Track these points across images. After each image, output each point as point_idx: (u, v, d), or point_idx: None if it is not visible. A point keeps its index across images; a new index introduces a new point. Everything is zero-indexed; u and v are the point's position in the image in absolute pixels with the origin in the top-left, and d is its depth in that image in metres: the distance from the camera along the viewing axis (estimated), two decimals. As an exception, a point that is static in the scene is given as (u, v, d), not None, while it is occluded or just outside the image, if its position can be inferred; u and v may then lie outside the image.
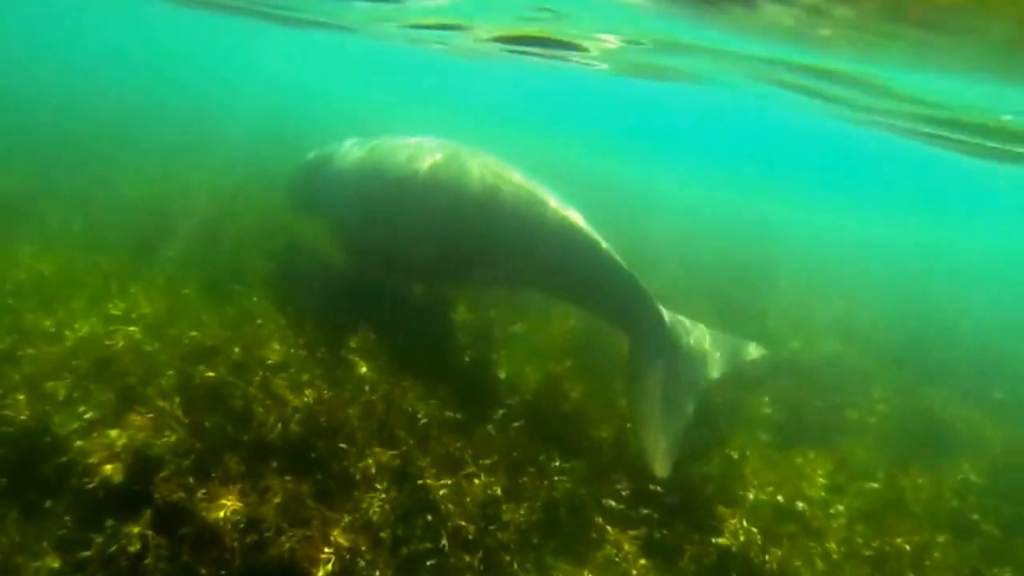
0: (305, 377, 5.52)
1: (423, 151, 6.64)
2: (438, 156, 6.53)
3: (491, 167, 6.36)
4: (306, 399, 5.34)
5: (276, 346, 5.87)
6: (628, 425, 6.05)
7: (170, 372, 5.34)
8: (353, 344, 6.24)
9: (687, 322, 6.06)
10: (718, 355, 5.92)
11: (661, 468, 5.22)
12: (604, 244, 5.86)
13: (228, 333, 6.20)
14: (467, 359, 7.11)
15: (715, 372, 5.91)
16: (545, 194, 6.19)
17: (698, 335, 5.99)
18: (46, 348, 5.63)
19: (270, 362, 5.61)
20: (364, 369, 5.90)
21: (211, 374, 5.27)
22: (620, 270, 5.78)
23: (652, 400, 5.44)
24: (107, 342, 5.96)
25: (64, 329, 5.99)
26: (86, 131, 15.83)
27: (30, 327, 5.96)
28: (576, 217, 6.04)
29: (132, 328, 6.06)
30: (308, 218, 8.81)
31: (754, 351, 6.31)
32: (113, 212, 9.42)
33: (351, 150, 7.46)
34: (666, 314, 5.88)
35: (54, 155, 12.75)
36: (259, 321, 6.27)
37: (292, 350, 5.95)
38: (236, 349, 5.70)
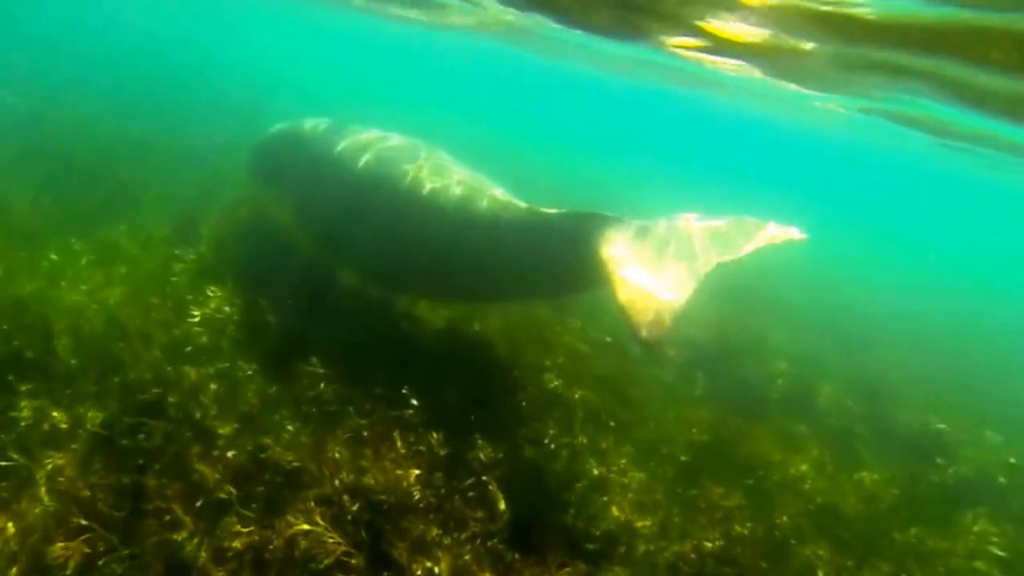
0: (434, 532, 3.80)
1: (377, 142, 6.65)
2: (388, 148, 6.49)
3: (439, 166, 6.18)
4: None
5: (399, 470, 4.13)
6: None
7: (248, 527, 3.60)
8: (483, 457, 4.55)
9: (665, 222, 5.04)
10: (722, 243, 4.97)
11: (650, 330, 4.20)
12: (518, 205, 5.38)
13: (306, 438, 4.51)
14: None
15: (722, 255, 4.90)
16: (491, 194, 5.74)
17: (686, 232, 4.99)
18: (44, 456, 3.90)
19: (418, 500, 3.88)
20: (503, 506, 4.21)
21: (301, 527, 3.54)
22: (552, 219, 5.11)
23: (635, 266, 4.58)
24: (123, 441, 4.27)
25: (78, 426, 4.24)
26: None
27: (29, 420, 4.22)
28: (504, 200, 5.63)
29: (166, 425, 4.35)
30: (269, 191, 8.34)
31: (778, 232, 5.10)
32: (132, 237, 7.57)
33: (317, 130, 7.35)
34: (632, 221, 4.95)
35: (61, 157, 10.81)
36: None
37: (411, 469, 4.23)
38: (338, 479, 3.97)
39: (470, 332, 6.69)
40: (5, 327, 4.87)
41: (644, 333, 4.13)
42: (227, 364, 5.26)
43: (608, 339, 7.58)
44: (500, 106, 47.05)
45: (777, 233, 5.00)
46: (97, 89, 16.91)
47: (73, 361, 4.77)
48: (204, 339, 5.64)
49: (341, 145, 6.75)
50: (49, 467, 3.99)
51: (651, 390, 7.49)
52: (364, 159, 6.44)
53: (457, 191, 5.85)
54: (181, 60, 27.51)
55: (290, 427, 4.85)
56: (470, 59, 33.51)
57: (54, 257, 6.13)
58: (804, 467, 6.21)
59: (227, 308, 6.00)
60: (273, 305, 6.11)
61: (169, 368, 5.09)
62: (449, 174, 6.06)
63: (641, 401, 7.10)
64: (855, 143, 26.02)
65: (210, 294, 5.92)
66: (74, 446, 4.20)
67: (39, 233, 6.77)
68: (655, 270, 4.58)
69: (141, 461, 4.26)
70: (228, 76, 25.08)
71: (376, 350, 5.97)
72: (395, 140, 6.72)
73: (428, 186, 5.98)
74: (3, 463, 3.88)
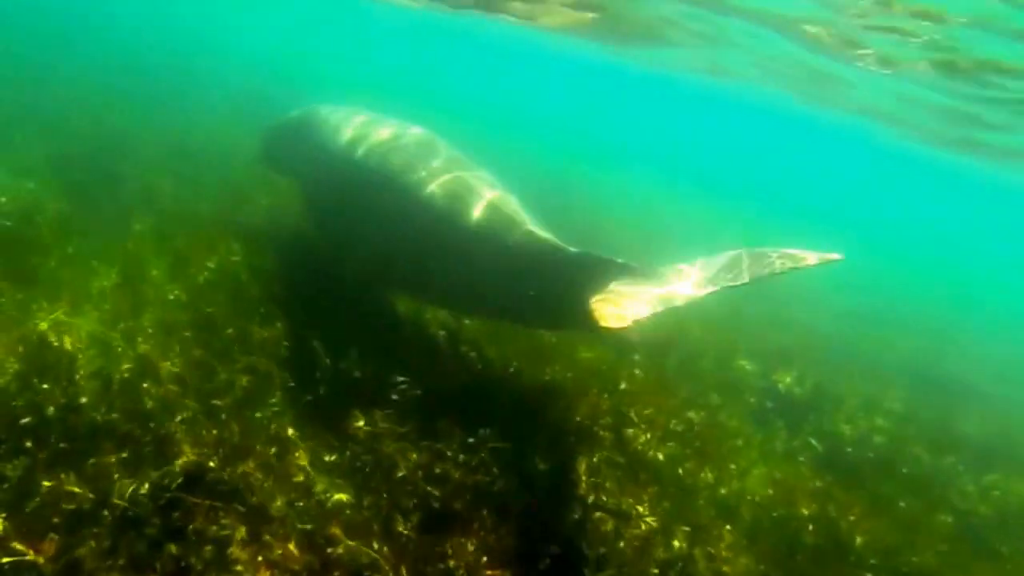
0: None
1: (401, 134, 6.40)
2: (410, 142, 6.24)
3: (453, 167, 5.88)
4: None
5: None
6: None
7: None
8: (584, 550, 3.74)
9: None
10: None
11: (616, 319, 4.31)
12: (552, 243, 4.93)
13: (369, 512, 3.72)
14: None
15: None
16: (514, 207, 5.43)
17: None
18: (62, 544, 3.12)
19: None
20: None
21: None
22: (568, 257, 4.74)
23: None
24: (155, 520, 3.49)
25: (103, 505, 3.46)
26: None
27: (47, 498, 3.43)
28: (533, 228, 5.21)
29: (207, 501, 3.56)
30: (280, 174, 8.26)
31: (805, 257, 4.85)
32: (159, 252, 6.77)
33: (332, 118, 7.09)
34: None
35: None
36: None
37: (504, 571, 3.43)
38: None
39: (542, 380, 5.89)
40: (23, 372, 4.10)
41: (603, 323, 4.16)
42: (276, 423, 4.48)
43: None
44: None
45: (801, 257, 4.76)
46: (121, 86, 16.20)
47: (98, 417, 3.98)
48: (245, 382, 4.86)
49: (356, 136, 6.57)
50: (64, 562, 3.22)
51: (731, 444, 6.67)
52: (374, 151, 6.29)
53: (481, 208, 5.45)
54: (205, 52, 26.83)
55: (346, 497, 4.09)
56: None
57: (77, 284, 5.37)
58: (929, 556, 5.35)
59: (273, 347, 5.23)
60: (327, 344, 5.31)
61: (208, 422, 4.32)
62: (480, 189, 5.63)
63: (724, 456, 6.28)
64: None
65: (255, 331, 5.15)
66: (96, 530, 3.43)
67: (61, 248, 6.01)
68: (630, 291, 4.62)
69: (175, 550, 3.49)
70: (255, 69, 24.37)
71: (445, 400, 5.19)
72: (413, 135, 6.42)
73: (449, 194, 5.62)
74: (9, 559, 3.10)
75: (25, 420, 3.81)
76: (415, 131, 6.57)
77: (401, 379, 5.15)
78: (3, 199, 6.32)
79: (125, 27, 28.47)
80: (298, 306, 5.88)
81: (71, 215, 6.89)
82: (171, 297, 5.75)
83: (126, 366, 4.72)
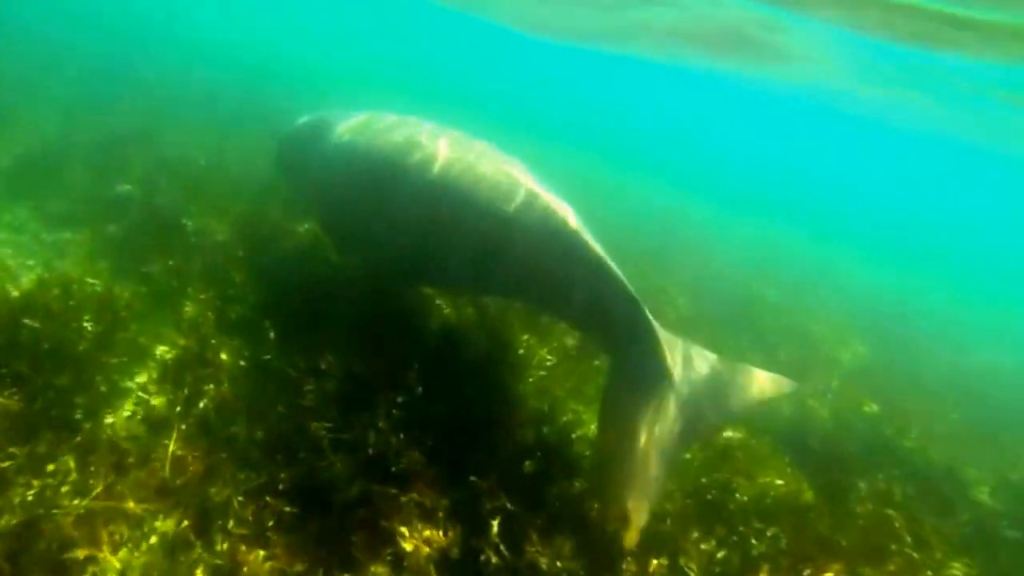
0: None
1: (419, 135, 5.59)
2: (437, 144, 5.41)
3: (496, 162, 5.21)
4: None
5: None
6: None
7: None
8: None
9: (694, 350, 4.77)
10: (731, 390, 4.75)
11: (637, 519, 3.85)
12: (606, 258, 4.57)
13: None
14: None
15: (727, 409, 4.73)
16: (542, 190, 4.98)
17: (706, 364, 4.74)
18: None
19: None
20: None
21: None
22: (605, 273, 4.55)
23: (628, 434, 4.24)
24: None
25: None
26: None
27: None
28: (570, 218, 4.82)
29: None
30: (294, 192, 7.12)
31: (781, 385, 4.83)
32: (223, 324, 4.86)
33: (338, 123, 6.33)
34: (664, 336, 4.53)
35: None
36: None
37: None
38: None
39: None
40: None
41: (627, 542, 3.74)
42: None
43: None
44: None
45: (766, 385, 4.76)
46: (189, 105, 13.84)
47: None
48: None
49: (384, 141, 5.68)
50: None
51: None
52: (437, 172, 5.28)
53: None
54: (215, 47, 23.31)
55: None
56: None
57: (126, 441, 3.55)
58: None
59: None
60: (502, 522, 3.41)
61: None
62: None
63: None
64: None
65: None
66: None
67: (103, 362, 4.16)
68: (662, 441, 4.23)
69: None
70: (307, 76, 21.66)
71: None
72: (475, 147, 5.42)
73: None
74: None
75: None
76: (479, 144, 5.45)
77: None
78: (26, 279, 4.49)
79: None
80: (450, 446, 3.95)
81: (114, 288, 5.03)
82: (258, 435, 3.90)
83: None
